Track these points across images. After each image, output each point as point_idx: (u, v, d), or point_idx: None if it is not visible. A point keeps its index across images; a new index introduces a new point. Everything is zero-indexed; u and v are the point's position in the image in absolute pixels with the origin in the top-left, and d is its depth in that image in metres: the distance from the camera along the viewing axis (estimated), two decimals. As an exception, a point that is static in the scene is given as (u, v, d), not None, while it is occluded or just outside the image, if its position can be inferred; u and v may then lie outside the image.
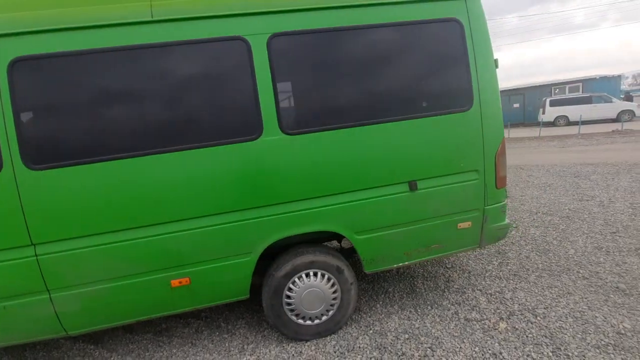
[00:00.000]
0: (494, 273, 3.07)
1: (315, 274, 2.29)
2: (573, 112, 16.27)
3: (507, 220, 2.58)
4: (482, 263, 3.29)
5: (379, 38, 2.22)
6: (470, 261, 3.36)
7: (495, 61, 2.38)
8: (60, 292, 1.97)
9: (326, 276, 2.31)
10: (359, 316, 2.61)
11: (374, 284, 3.08)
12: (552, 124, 17.48)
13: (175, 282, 2.09)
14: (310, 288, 2.28)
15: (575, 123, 14.95)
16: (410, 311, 2.61)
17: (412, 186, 2.29)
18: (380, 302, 2.77)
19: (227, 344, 2.43)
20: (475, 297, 2.71)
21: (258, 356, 2.26)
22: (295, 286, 2.27)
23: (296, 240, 2.33)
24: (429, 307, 2.64)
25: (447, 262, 3.38)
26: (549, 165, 7.80)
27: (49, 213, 1.88)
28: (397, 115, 2.22)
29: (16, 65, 1.78)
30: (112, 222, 1.96)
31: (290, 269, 2.24)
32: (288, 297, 2.28)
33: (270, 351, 2.30)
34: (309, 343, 2.33)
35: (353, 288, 2.38)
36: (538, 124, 16.69)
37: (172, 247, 2.05)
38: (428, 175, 2.32)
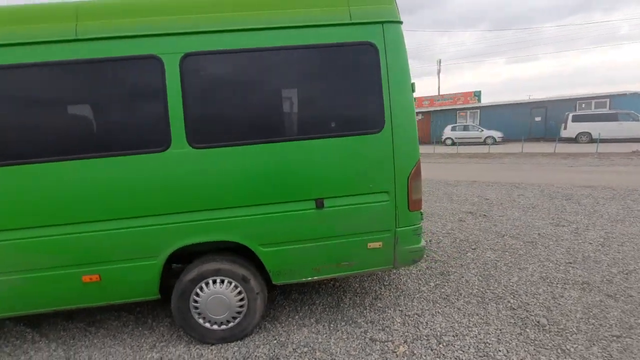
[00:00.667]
0: (425, 294, 3.05)
1: (222, 281, 2.40)
2: (597, 129, 15.39)
3: (422, 243, 2.57)
4: (419, 283, 3.27)
5: (290, 59, 2.30)
6: (408, 280, 3.35)
7: (412, 85, 2.40)
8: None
9: (232, 284, 2.41)
10: (273, 325, 2.69)
11: (304, 295, 3.14)
12: (574, 140, 16.64)
13: (86, 278, 2.27)
14: (216, 294, 2.39)
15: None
16: (324, 325, 2.66)
17: (319, 204, 2.35)
18: (301, 314, 2.84)
19: (142, 340, 2.59)
20: (392, 317, 2.71)
21: (162, 355, 2.40)
22: (202, 292, 2.39)
23: (207, 249, 2.45)
24: (343, 323, 2.67)
25: (385, 279, 3.38)
26: (546, 184, 7.50)
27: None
28: (303, 134, 2.29)
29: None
30: (32, 219, 2.17)
31: (197, 275, 2.36)
32: (195, 301, 2.40)
33: (176, 351, 2.43)
34: (212, 347, 2.44)
35: (259, 297, 2.46)
36: (559, 139, 15.94)
37: (83, 245, 2.23)
38: (335, 194, 2.36)
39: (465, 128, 22.12)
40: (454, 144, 19.90)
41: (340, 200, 2.38)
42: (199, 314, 2.42)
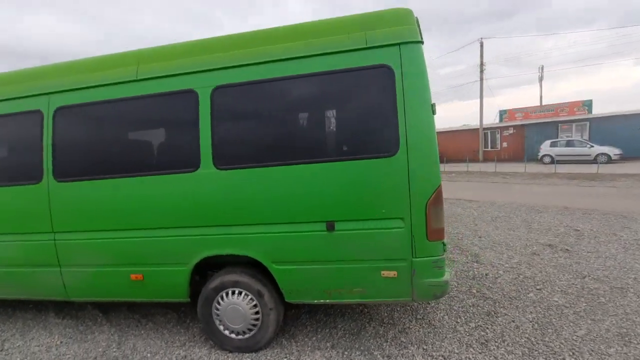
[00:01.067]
0: (460, 335, 2.71)
1: (240, 293, 2.56)
2: None
3: (445, 277, 2.32)
4: (457, 321, 2.92)
5: (306, 86, 2.41)
6: (446, 316, 3.03)
7: (432, 106, 2.25)
8: (67, 268, 2.80)
9: (249, 297, 2.55)
10: (289, 342, 2.72)
11: (329, 316, 3.11)
12: None
13: (133, 276, 2.69)
14: (233, 305, 2.56)
15: None
16: (338, 352, 2.59)
17: (329, 226, 2.35)
18: (319, 336, 2.81)
19: (177, 337, 2.90)
20: (414, 355, 2.49)
21: (187, 353, 2.65)
22: (222, 300, 2.59)
23: (233, 261, 2.65)
24: (358, 353, 2.55)
25: (419, 311, 3.12)
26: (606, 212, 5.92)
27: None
28: (315, 158, 2.35)
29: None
30: (101, 224, 2.69)
31: (219, 284, 2.58)
32: (217, 308, 2.61)
33: (199, 352, 2.66)
34: (229, 355, 2.60)
35: (272, 313, 2.54)
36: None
37: (132, 249, 2.65)
38: (347, 217, 2.33)
39: (570, 144, 18.96)
40: (553, 162, 17.19)
41: (352, 224, 2.34)
42: (219, 321, 2.62)
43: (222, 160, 2.46)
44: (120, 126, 2.71)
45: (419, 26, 2.37)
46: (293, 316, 3.13)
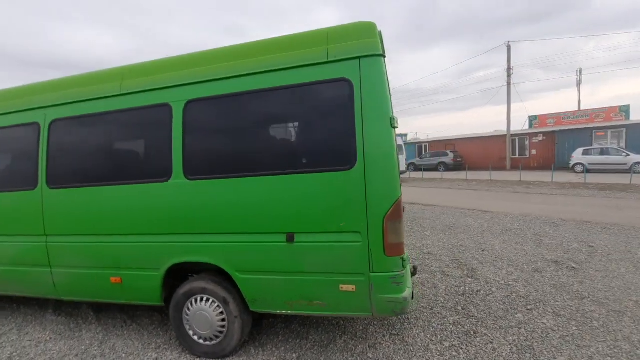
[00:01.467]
0: (431, 355, 2.62)
1: (207, 300, 2.64)
2: None
3: (404, 294, 2.26)
4: (432, 339, 2.83)
5: (269, 100, 2.46)
6: (422, 333, 2.94)
7: (391, 120, 2.23)
8: (57, 269, 3.01)
9: (216, 304, 2.62)
10: (257, 351, 2.75)
11: (303, 327, 3.10)
12: None
13: (112, 279, 2.84)
14: (201, 311, 2.64)
15: None
16: (301, 363, 2.59)
17: (289, 238, 2.37)
18: (288, 346, 2.82)
19: (155, 339, 3.01)
20: (376, 372, 2.44)
21: (159, 356, 2.75)
22: (192, 306, 2.67)
23: (204, 269, 2.73)
24: (321, 366, 2.54)
25: (395, 326, 3.05)
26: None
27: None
28: (275, 170, 2.39)
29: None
30: (87, 229, 2.87)
31: (188, 290, 2.67)
32: (187, 314, 2.70)
33: (170, 355, 2.75)
34: None
35: (237, 321, 2.58)
36: None
37: (111, 253, 2.81)
38: (306, 230, 2.35)
39: (604, 152, 17.74)
40: (586, 170, 16.13)
41: (311, 237, 2.35)
42: (189, 326, 2.70)
43: (191, 170, 2.56)
44: (104, 137, 2.89)
45: (381, 40, 2.37)
46: (269, 325, 3.16)
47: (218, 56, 2.61)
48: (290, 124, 2.47)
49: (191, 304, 2.67)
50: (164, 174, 2.61)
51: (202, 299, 2.64)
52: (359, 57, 2.27)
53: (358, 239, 2.26)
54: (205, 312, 2.62)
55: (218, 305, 2.61)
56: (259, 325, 3.10)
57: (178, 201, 2.59)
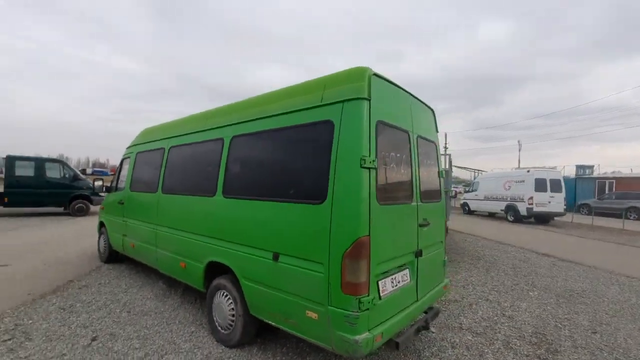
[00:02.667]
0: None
1: (225, 295, 3.25)
2: None
3: (356, 337, 2.20)
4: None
5: (275, 138, 2.93)
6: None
7: (363, 160, 2.28)
8: (158, 249, 4.33)
9: (230, 300, 3.20)
10: (258, 351, 3.14)
11: (310, 345, 3.29)
12: None
13: (182, 264, 3.87)
14: (221, 303, 3.28)
15: None
16: (282, 375, 2.82)
17: (275, 257, 2.72)
18: (285, 357, 3.09)
19: (201, 318, 3.85)
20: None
21: (196, 329, 3.54)
22: (217, 298, 3.35)
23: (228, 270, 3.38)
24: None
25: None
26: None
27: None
28: (269, 197, 2.82)
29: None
30: (171, 223, 4.06)
31: (216, 284, 3.36)
32: (214, 302, 3.39)
33: (203, 332, 3.50)
34: (215, 344, 3.30)
35: (240, 320, 3.07)
36: None
37: (181, 244, 3.85)
38: (287, 252, 2.64)
39: None
40: None
41: (289, 259, 2.62)
42: (214, 313, 3.38)
43: (226, 190, 3.29)
44: (189, 161, 4.04)
45: (389, 81, 2.52)
46: (280, 333, 3.50)
47: (252, 102, 3.30)
48: (287, 158, 2.84)
49: (217, 296, 3.35)
50: (213, 191, 3.44)
51: (223, 294, 3.29)
52: (343, 101, 2.47)
53: (321, 270, 2.39)
54: (222, 305, 3.25)
55: (231, 302, 3.18)
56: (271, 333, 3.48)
57: (216, 213, 3.36)
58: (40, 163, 12.15)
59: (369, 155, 2.33)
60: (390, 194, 2.67)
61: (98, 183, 6.46)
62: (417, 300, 2.92)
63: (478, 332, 3.80)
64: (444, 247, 3.59)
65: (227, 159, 3.35)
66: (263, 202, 2.88)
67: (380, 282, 2.47)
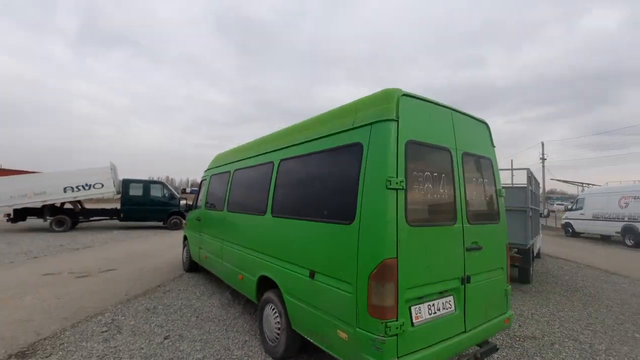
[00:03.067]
0: None
1: (272, 308, 3.44)
2: None
3: None
4: None
5: (312, 162, 3.08)
6: None
7: (390, 181, 2.26)
8: (223, 261, 4.80)
9: (276, 313, 3.37)
10: (300, 368, 3.22)
11: None
12: None
13: (240, 276, 4.23)
14: (268, 315, 3.47)
15: None
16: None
17: (311, 274, 2.81)
18: (325, 377, 3.10)
19: (256, 330, 4.11)
20: None
21: (249, 339, 3.79)
22: (266, 310, 3.56)
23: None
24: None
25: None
26: None
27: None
28: (305, 216, 2.94)
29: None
30: (231, 238, 4.50)
31: (266, 297, 3.58)
32: (263, 315, 3.61)
33: (255, 342, 3.73)
34: (263, 354, 3.48)
35: (284, 333, 3.19)
36: None
37: (239, 258, 4.22)
38: (322, 270, 2.71)
39: None
40: None
41: (324, 278, 2.68)
42: (264, 324, 3.59)
43: (274, 210, 3.55)
44: (244, 184, 4.46)
45: (397, 105, 2.43)
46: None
47: (296, 128, 3.54)
48: (323, 180, 2.93)
49: (266, 309, 3.56)
50: (263, 211, 3.74)
51: (271, 307, 3.48)
52: (371, 123, 2.50)
53: (350, 290, 2.39)
54: (270, 318, 3.44)
55: (277, 315, 3.35)
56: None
57: (266, 230, 3.63)
58: (147, 185, 14.63)
59: (396, 176, 2.30)
60: (425, 215, 2.55)
61: (182, 202, 7.49)
62: (465, 332, 2.66)
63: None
64: (506, 274, 3.20)
65: (276, 181, 3.62)
66: (302, 222, 3.02)
67: (413, 308, 2.34)
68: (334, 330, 2.53)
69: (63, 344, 3.62)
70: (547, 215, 10.71)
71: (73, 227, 13.76)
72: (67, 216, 13.40)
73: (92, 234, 12.77)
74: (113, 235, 12.76)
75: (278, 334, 3.31)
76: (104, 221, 15.24)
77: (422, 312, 2.39)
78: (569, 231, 17.77)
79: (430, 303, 2.46)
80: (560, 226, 19.68)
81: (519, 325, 4.60)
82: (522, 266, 6.80)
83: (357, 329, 2.31)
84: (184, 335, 3.89)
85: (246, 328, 4.15)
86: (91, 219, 14.36)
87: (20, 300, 4.98)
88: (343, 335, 2.44)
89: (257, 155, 4.26)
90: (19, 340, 3.66)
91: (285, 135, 3.75)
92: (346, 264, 2.45)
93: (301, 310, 2.95)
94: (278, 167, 3.64)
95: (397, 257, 2.23)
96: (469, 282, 2.72)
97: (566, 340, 4.15)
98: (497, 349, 2.97)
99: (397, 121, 2.41)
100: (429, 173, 2.59)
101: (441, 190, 2.66)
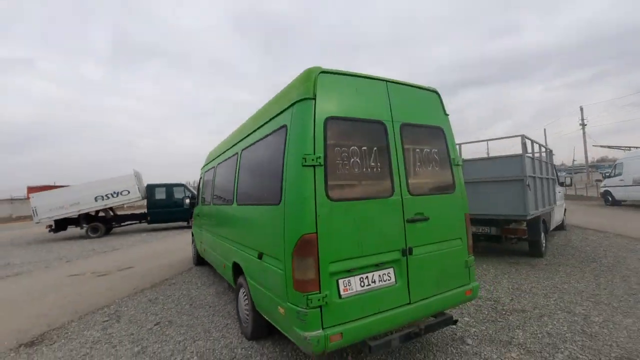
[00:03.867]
0: None
1: (244, 292, 3.60)
2: None
3: (305, 334, 2.19)
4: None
5: (257, 149, 3.17)
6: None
7: (305, 158, 2.30)
8: (213, 252, 5.06)
9: (245, 296, 3.52)
10: (265, 346, 3.36)
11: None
12: None
13: (223, 265, 4.44)
14: (240, 298, 3.65)
15: None
16: (279, 369, 2.96)
17: (259, 256, 2.92)
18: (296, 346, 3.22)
19: (235, 313, 4.30)
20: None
21: (231, 322, 3.99)
22: (240, 293, 3.73)
23: None
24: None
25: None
26: None
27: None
28: (255, 201, 3.06)
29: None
30: (216, 231, 4.72)
31: (239, 281, 3.73)
32: (238, 298, 3.79)
33: (234, 324, 3.93)
34: (239, 335, 3.67)
35: (251, 314, 3.33)
36: None
37: (222, 248, 4.43)
38: (266, 252, 2.81)
39: None
40: None
41: (267, 258, 2.77)
42: (238, 307, 3.77)
43: (237, 199, 3.69)
44: (222, 176, 4.63)
45: (315, 84, 2.43)
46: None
47: (251, 118, 3.66)
48: (263, 165, 3.00)
49: (240, 292, 3.74)
50: (232, 200, 3.90)
51: (242, 290, 3.65)
52: (293, 104, 2.54)
53: (281, 267, 2.46)
54: (241, 301, 3.61)
55: (246, 298, 3.51)
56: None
57: (233, 219, 3.79)
58: (169, 188, 15.47)
59: (313, 153, 2.32)
60: (352, 190, 2.55)
61: (187, 200, 7.90)
62: (410, 303, 2.64)
63: (530, 349, 3.11)
64: (466, 245, 3.11)
65: (239, 170, 3.76)
66: (251, 207, 3.15)
67: (341, 281, 2.38)
68: (277, 306, 2.62)
69: (67, 333, 4.05)
70: (569, 185, 9.98)
71: (107, 232, 14.93)
72: (101, 223, 14.56)
73: (122, 238, 13.79)
74: (141, 237, 13.68)
75: (247, 316, 3.47)
76: (135, 225, 16.35)
77: (352, 285, 2.41)
78: (608, 200, 16.45)
79: (363, 276, 2.47)
80: (599, 195, 18.24)
81: (511, 300, 4.43)
82: (530, 239, 6.47)
83: (288, 303, 2.39)
84: (173, 321, 4.18)
85: (232, 313, 4.36)
86: (122, 224, 15.51)
87: (44, 298, 5.58)
88: (282, 310, 2.53)
89: (229, 148, 4.42)
90: (32, 332, 4.14)
91: (247, 125, 3.86)
92: (277, 243, 2.53)
93: (258, 291, 3.08)
94: (240, 158, 3.77)
95: (316, 232, 2.27)
96: (411, 253, 2.69)
97: (559, 312, 3.95)
98: (455, 322, 2.91)
99: (314, 99, 2.42)
100: (355, 148, 2.58)
101: (372, 164, 2.64)
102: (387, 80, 2.85)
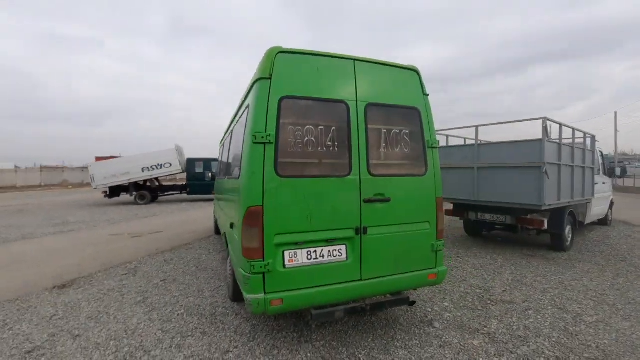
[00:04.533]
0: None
1: (229, 256, 3.93)
2: None
3: (247, 296, 2.42)
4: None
5: (238, 128, 3.33)
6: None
7: (255, 136, 2.43)
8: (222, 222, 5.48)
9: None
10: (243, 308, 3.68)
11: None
12: None
13: (224, 231, 4.83)
14: (227, 264, 3.99)
15: None
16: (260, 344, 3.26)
17: (231, 225, 3.20)
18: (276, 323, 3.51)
19: (236, 279, 4.70)
20: None
21: (221, 288, 4.39)
22: (228, 258, 4.08)
23: None
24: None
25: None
26: None
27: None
28: (231, 175, 3.27)
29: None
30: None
31: (227, 249, 4.10)
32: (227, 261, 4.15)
33: (225, 291, 4.32)
34: (225, 296, 4.05)
35: (230, 279, 3.68)
36: None
37: (224, 215, 4.80)
38: (233, 221, 3.07)
39: None
40: None
41: (235, 228, 2.99)
42: (228, 271, 4.14)
43: (226, 173, 3.97)
44: (229, 148, 4.92)
45: (272, 63, 2.51)
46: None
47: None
48: (236, 144, 3.23)
49: (228, 258, 4.08)
50: (224, 174, 4.19)
51: (229, 258, 3.99)
52: (253, 84, 2.66)
53: (237, 235, 2.69)
54: (228, 266, 3.96)
55: (230, 264, 3.84)
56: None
57: (224, 191, 4.09)
58: (207, 162, 16.53)
59: (265, 131, 2.45)
60: (303, 167, 2.64)
61: (208, 174, 8.47)
62: (361, 280, 2.74)
63: (496, 339, 3.06)
64: (434, 229, 3.07)
65: (230, 148, 4.02)
66: (228, 180, 3.41)
67: (287, 252, 2.53)
68: (239, 269, 2.88)
69: (92, 280, 4.76)
70: (620, 176, 8.91)
71: (153, 200, 16.54)
72: (147, 192, 16.16)
73: (164, 206, 15.21)
74: (181, 207, 14.97)
75: (230, 279, 3.81)
76: (177, 195, 17.85)
77: (298, 257, 2.56)
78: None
79: (311, 249, 2.60)
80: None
81: (503, 290, 4.28)
82: (551, 231, 6.03)
83: (239, 268, 2.63)
84: (177, 280, 4.70)
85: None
86: (166, 193, 17.05)
87: (83, 251, 6.51)
88: (241, 270, 2.77)
89: (229, 126, 4.68)
90: (66, 277, 4.92)
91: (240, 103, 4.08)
92: (237, 210, 2.74)
93: (232, 257, 3.37)
94: (232, 135, 4.02)
95: (262, 205, 2.44)
96: (365, 233, 2.75)
97: (549, 308, 3.76)
98: (412, 303, 2.94)
99: (270, 79, 2.52)
100: (311, 127, 2.64)
101: (329, 143, 2.69)
102: (355, 59, 2.83)
